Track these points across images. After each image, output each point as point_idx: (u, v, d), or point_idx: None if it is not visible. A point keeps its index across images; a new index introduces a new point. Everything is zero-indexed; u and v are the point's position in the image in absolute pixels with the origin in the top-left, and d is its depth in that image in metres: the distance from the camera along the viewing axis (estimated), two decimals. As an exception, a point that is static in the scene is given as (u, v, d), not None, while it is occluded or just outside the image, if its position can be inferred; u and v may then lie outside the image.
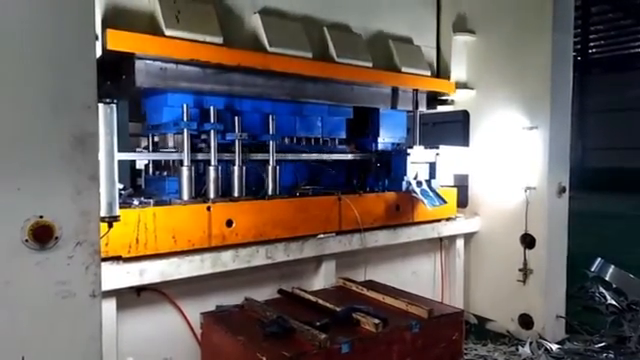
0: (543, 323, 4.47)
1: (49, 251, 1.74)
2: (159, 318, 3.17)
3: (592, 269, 6.23)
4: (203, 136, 3.56)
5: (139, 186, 3.99)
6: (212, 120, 3.44)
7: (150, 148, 3.82)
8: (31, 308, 1.74)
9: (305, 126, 4.24)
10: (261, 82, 3.72)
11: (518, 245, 4.59)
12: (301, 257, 3.64)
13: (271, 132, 3.74)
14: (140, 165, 3.91)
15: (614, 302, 5.40)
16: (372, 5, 4.56)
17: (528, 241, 4.53)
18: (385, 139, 4.73)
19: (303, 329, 2.81)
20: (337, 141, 4.51)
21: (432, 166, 4.58)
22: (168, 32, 3.19)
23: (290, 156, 4.02)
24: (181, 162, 3.34)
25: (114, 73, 3.28)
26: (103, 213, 2.48)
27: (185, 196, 3.30)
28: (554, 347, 4.32)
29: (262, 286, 3.63)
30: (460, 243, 4.97)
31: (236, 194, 3.51)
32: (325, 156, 4.30)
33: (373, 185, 4.53)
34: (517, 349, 4.36)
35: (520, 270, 4.56)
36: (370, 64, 4.25)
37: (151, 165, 3.85)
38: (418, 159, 4.50)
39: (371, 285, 3.80)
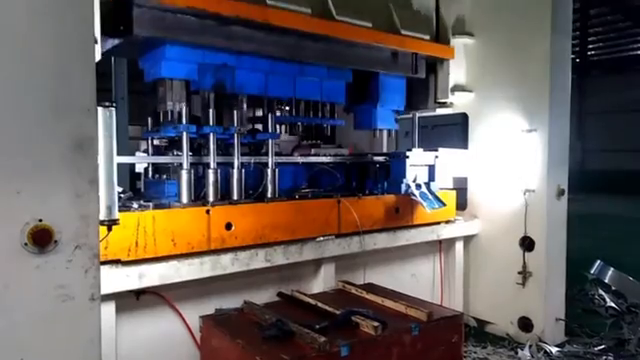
0: (543, 326, 4.47)
1: (48, 254, 1.74)
2: (158, 321, 3.17)
3: (591, 272, 6.23)
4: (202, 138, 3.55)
5: (138, 189, 3.99)
6: (211, 122, 3.45)
7: (149, 151, 3.83)
8: (30, 312, 1.74)
9: (304, 89, 4.15)
10: (260, 37, 3.66)
11: (517, 248, 4.59)
12: (300, 260, 3.64)
13: (270, 130, 3.74)
14: (139, 168, 3.91)
15: (613, 305, 5.40)
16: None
17: (527, 244, 4.53)
18: (385, 105, 4.68)
19: (302, 332, 2.81)
20: (335, 109, 4.44)
21: (431, 169, 4.59)
22: None
23: (288, 159, 4.03)
24: (180, 165, 3.34)
25: (113, 25, 3.17)
26: (102, 216, 2.47)
27: (184, 199, 3.30)
28: (554, 350, 4.31)
29: (261, 289, 3.63)
30: (459, 246, 4.97)
31: (235, 197, 3.51)
32: (324, 159, 4.30)
33: (372, 188, 4.53)
34: (517, 352, 4.36)
35: (519, 273, 4.56)
36: (370, 24, 4.19)
37: (150, 168, 3.86)
38: (417, 162, 4.50)
39: (370, 288, 3.80)
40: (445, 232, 4.70)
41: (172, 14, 3.26)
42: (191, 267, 3.08)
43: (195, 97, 3.81)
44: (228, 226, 3.32)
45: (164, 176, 3.73)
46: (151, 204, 3.14)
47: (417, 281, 4.71)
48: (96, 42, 2.46)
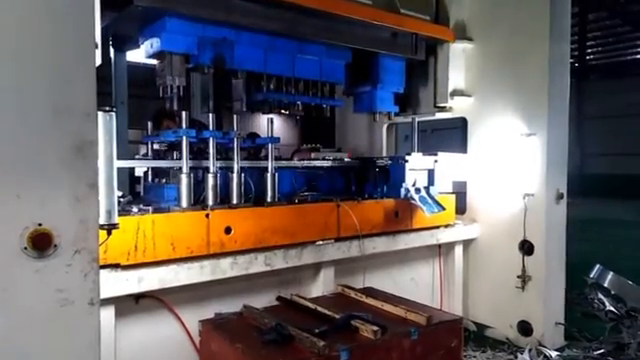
0: (542, 330, 4.47)
1: (48, 259, 1.74)
2: (157, 325, 3.17)
3: (591, 275, 6.22)
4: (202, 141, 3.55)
5: (138, 193, 3.99)
6: (211, 127, 3.45)
7: (149, 155, 3.83)
8: (29, 316, 1.73)
9: (303, 67, 4.14)
10: (260, 11, 3.65)
11: (516, 252, 4.59)
12: (300, 264, 3.64)
13: (269, 135, 3.74)
14: (139, 172, 3.92)
15: (613, 309, 5.40)
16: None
17: (526, 248, 4.53)
18: (384, 87, 4.67)
19: (302, 336, 2.81)
20: (335, 90, 4.42)
21: (430, 173, 4.59)
22: None
23: (286, 163, 4.03)
24: (180, 169, 3.34)
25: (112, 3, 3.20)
26: (102, 221, 2.47)
27: (184, 203, 3.29)
28: (553, 354, 4.31)
29: (261, 293, 3.62)
30: (459, 250, 4.97)
31: (235, 201, 3.51)
32: (324, 162, 4.31)
33: (372, 192, 4.53)
34: (516, 356, 4.35)
35: (519, 277, 4.55)
36: (369, 1, 4.19)
37: (150, 172, 3.86)
38: (416, 166, 4.51)
39: (370, 292, 3.80)
40: (444, 236, 4.70)
41: None
42: (190, 271, 3.08)
43: (194, 98, 3.81)
44: (227, 230, 3.32)
45: (164, 180, 3.73)
46: (150, 208, 3.14)
47: (416, 285, 4.71)
48: (97, 46, 2.47)
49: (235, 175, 3.52)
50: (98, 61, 2.74)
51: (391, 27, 4.45)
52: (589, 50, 23.47)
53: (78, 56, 1.82)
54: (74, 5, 1.81)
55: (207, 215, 3.24)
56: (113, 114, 2.45)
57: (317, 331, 2.87)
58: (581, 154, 22.75)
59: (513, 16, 4.65)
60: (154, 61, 3.65)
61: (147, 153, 3.90)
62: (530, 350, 4.35)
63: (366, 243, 3.99)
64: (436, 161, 4.58)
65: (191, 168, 3.37)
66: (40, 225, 1.72)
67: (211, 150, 3.42)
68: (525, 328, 4.57)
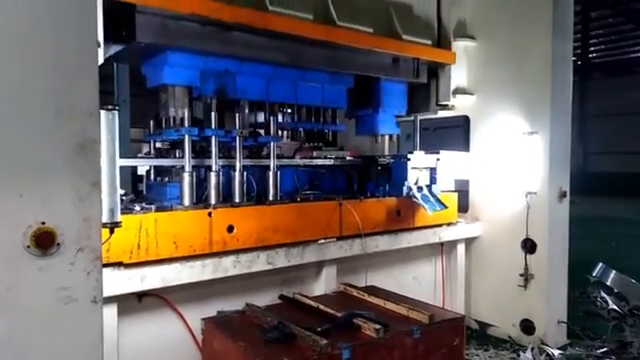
0: (545, 328, 4.46)
1: (51, 257, 1.75)
2: (160, 324, 3.17)
3: (593, 274, 6.22)
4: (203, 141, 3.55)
5: (140, 192, 4.00)
6: (213, 125, 3.46)
7: (151, 153, 3.83)
8: (33, 314, 1.74)
9: (305, 94, 4.17)
10: (262, 43, 3.67)
11: (519, 250, 4.58)
12: (302, 262, 3.64)
13: (272, 134, 3.74)
14: (142, 171, 3.92)
15: (616, 307, 5.39)
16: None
17: (529, 246, 4.53)
18: (386, 111, 4.69)
19: (304, 335, 2.81)
20: (337, 114, 4.47)
21: (433, 171, 4.59)
22: None
23: (289, 162, 4.03)
24: (182, 168, 3.34)
25: (115, 31, 3.21)
26: (105, 219, 2.48)
27: (186, 202, 3.30)
28: (556, 353, 4.30)
29: (263, 292, 3.63)
30: (461, 248, 4.96)
31: (237, 200, 3.51)
32: (325, 161, 4.31)
33: (374, 190, 4.54)
34: (519, 355, 4.35)
35: (521, 275, 4.55)
36: (371, 29, 4.20)
37: (152, 171, 3.86)
38: (419, 164, 4.50)
39: (372, 290, 3.80)
40: (447, 234, 4.70)
41: (175, 21, 3.29)
42: (193, 270, 3.08)
43: (197, 101, 3.82)
44: (230, 229, 3.32)
45: (166, 179, 3.73)
46: (153, 207, 3.15)
47: (419, 283, 4.71)
48: (99, 45, 2.47)
49: (237, 174, 3.52)
50: (101, 60, 2.75)
51: (392, 53, 4.50)
52: (592, 48, 23.42)
53: (80, 55, 1.82)
54: (76, 4, 1.81)
55: (209, 214, 3.25)
56: (115, 113, 2.46)
57: (319, 329, 2.87)
58: (584, 152, 22.71)
59: (515, 14, 4.64)
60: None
61: (149, 152, 3.90)
62: (533, 349, 4.34)
63: (368, 242, 3.99)
64: (438, 159, 4.57)
65: (194, 167, 3.38)
66: (43, 223, 1.72)
67: (213, 148, 3.42)
68: (527, 326, 4.57)
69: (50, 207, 1.74)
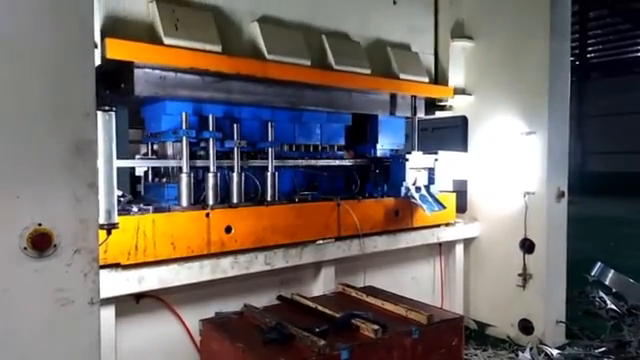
0: (543, 328, 4.47)
1: (48, 258, 1.74)
2: (158, 325, 3.17)
3: (592, 274, 6.23)
4: (202, 144, 3.57)
5: (138, 193, 3.99)
6: (211, 128, 3.45)
7: (149, 155, 3.83)
8: (30, 315, 1.74)
9: (304, 133, 4.24)
10: (260, 90, 3.72)
11: (517, 250, 4.59)
12: (300, 263, 3.64)
13: (270, 139, 3.75)
14: (139, 172, 3.92)
15: (614, 307, 5.40)
16: (370, 13, 4.59)
17: (527, 246, 4.53)
18: (384, 146, 4.73)
19: (302, 335, 2.81)
20: (336, 148, 4.51)
21: (431, 171, 4.58)
22: (167, 41, 3.20)
23: (289, 162, 4.03)
24: (180, 169, 3.34)
25: (113, 81, 3.28)
26: (102, 220, 2.48)
27: (184, 203, 3.30)
28: (554, 352, 4.30)
29: (261, 292, 3.63)
30: (459, 248, 4.97)
31: (235, 200, 3.51)
32: (324, 162, 4.31)
33: (372, 191, 4.54)
34: (517, 354, 4.35)
35: (520, 275, 4.56)
36: (368, 71, 4.27)
37: (150, 172, 3.86)
38: (417, 165, 4.50)
39: (370, 291, 3.80)
40: (445, 235, 4.70)
41: (173, 73, 3.31)
42: (191, 271, 3.08)
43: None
44: (228, 229, 3.32)
45: (164, 179, 3.73)
46: (151, 207, 3.14)
47: (417, 284, 4.71)
48: (96, 46, 2.47)
49: (235, 174, 3.52)
50: (97, 61, 2.75)
51: (390, 92, 4.56)
52: (590, 48, 23.46)
53: (77, 56, 1.82)
54: (73, 5, 1.81)
55: (207, 214, 3.25)
56: (112, 114, 2.46)
57: (318, 330, 2.87)
58: (582, 152, 22.74)
59: (513, 14, 4.65)
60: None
61: (147, 153, 3.90)
62: (531, 348, 4.34)
63: (367, 242, 3.99)
64: (436, 160, 4.57)
65: (191, 167, 3.37)
66: (40, 225, 1.72)
67: (211, 150, 3.42)
68: (526, 326, 4.57)
69: (47, 208, 1.74)
